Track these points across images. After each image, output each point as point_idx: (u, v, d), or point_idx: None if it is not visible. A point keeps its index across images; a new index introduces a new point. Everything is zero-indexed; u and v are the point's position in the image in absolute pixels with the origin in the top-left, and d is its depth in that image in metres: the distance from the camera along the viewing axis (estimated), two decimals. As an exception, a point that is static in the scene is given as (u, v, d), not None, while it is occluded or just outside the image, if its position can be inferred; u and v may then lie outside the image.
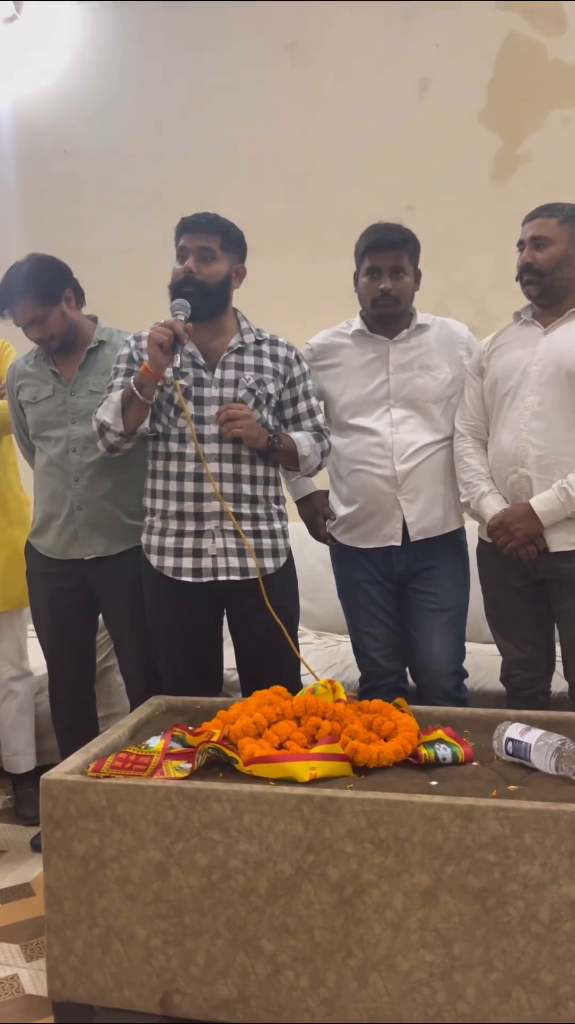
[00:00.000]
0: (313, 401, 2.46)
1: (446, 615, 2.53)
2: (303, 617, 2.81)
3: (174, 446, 2.31)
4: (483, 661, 2.87)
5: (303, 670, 2.45)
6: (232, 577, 2.30)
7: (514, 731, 1.85)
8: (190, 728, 2.00)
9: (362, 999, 1.65)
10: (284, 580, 2.40)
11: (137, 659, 2.54)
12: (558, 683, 2.52)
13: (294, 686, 2.31)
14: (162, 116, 3.95)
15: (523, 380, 2.35)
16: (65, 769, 1.82)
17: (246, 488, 2.32)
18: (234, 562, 2.30)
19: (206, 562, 2.30)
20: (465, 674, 2.58)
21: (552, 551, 2.33)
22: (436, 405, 2.51)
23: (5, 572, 2.83)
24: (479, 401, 2.47)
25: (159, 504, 2.34)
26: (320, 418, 2.48)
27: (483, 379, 2.46)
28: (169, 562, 2.32)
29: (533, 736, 1.80)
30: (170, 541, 2.32)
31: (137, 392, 2.22)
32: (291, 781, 1.74)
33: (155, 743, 1.90)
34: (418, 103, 3.65)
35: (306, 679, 2.43)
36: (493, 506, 2.39)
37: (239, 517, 2.30)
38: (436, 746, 1.88)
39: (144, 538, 2.39)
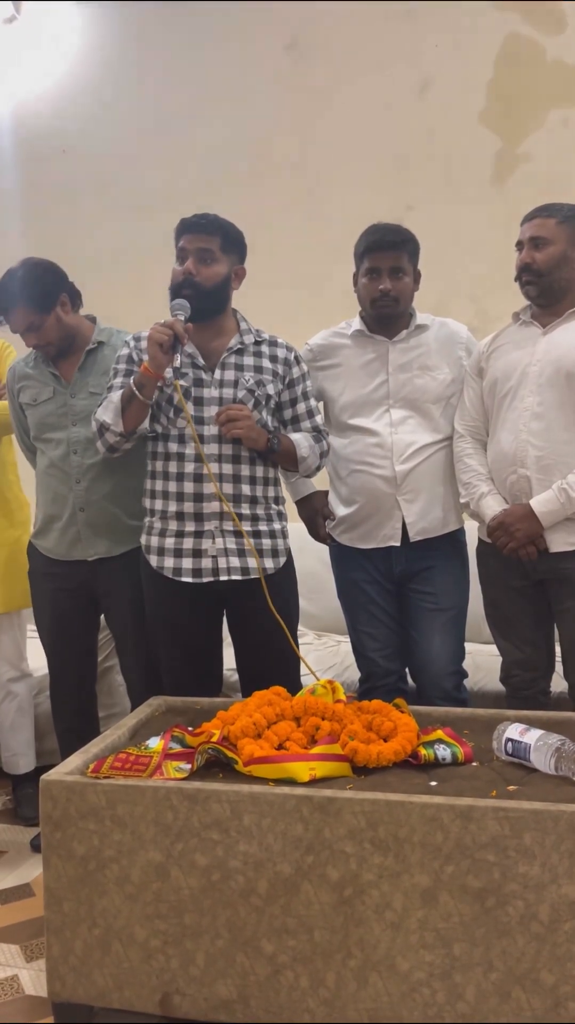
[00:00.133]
0: (312, 402, 2.46)
1: (446, 615, 2.53)
2: (303, 617, 2.81)
3: (174, 446, 2.31)
4: (483, 661, 2.87)
5: (303, 670, 2.45)
6: (233, 577, 2.30)
7: (514, 731, 1.85)
8: (190, 729, 2.00)
9: (362, 999, 1.65)
10: (284, 580, 2.40)
11: (138, 660, 2.54)
12: (558, 683, 2.52)
13: (294, 686, 2.31)
14: (162, 117, 3.95)
15: (522, 381, 2.35)
16: (65, 770, 1.83)
17: (246, 488, 2.32)
18: (234, 562, 2.30)
19: (206, 562, 2.30)
20: (465, 674, 2.58)
21: (552, 551, 2.33)
22: (436, 405, 2.51)
23: (5, 573, 2.83)
24: (478, 402, 2.47)
25: (159, 504, 2.34)
26: (319, 419, 2.48)
27: (482, 380, 2.46)
28: (169, 562, 2.32)
29: (533, 736, 1.80)
30: (170, 541, 2.32)
31: (137, 392, 2.22)
32: (291, 782, 1.74)
33: (155, 744, 1.90)
34: (418, 103, 3.65)
35: (306, 679, 2.43)
36: (493, 507, 2.39)
37: (239, 517, 2.30)
38: (436, 746, 1.88)
39: (144, 539, 2.39)
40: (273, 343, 2.41)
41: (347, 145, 3.71)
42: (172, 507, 2.31)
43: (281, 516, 2.42)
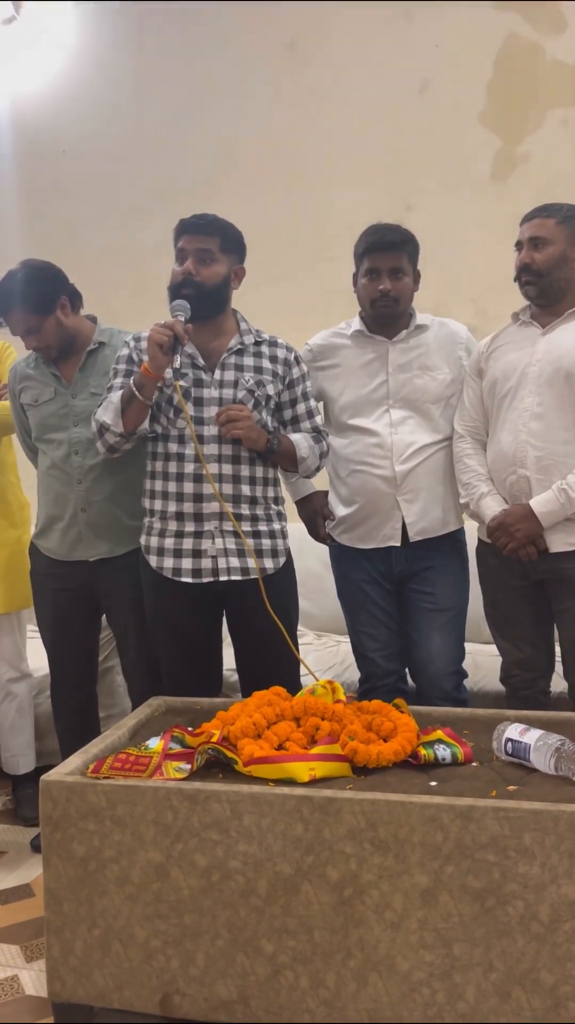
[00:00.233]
0: (312, 403, 2.46)
1: (445, 615, 2.53)
2: (303, 618, 2.81)
3: (173, 447, 2.31)
4: (483, 661, 2.87)
5: (303, 671, 2.45)
6: (232, 577, 2.30)
7: (513, 731, 1.85)
8: (190, 729, 2.00)
9: (362, 999, 1.65)
10: (283, 581, 2.40)
11: (139, 660, 2.54)
12: (558, 683, 2.52)
13: (294, 687, 2.31)
14: (161, 117, 3.95)
15: (522, 381, 2.35)
16: (65, 770, 1.83)
17: (245, 489, 2.32)
18: (234, 562, 2.30)
19: (206, 563, 2.30)
20: (465, 674, 2.58)
21: (552, 551, 2.33)
22: (435, 405, 2.51)
23: (6, 574, 2.83)
24: (478, 402, 2.47)
25: (158, 505, 2.34)
26: (319, 419, 2.48)
27: (482, 380, 2.46)
28: (168, 563, 2.32)
29: (532, 736, 1.81)
30: (169, 542, 2.32)
31: (137, 393, 2.22)
32: (291, 782, 1.74)
33: (155, 744, 1.90)
34: (418, 103, 3.65)
35: (306, 680, 2.43)
36: (492, 507, 2.39)
37: (238, 518, 2.30)
38: (435, 746, 1.88)
39: (143, 539, 2.39)
40: (273, 343, 2.41)
41: (347, 145, 3.71)
42: (172, 507, 2.31)
43: (281, 516, 2.42)
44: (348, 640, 2.73)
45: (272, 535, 2.37)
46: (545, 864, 1.56)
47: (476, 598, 2.57)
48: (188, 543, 2.30)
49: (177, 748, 1.91)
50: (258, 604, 2.26)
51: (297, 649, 2.37)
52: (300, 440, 2.39)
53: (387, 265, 2.43)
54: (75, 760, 1.86)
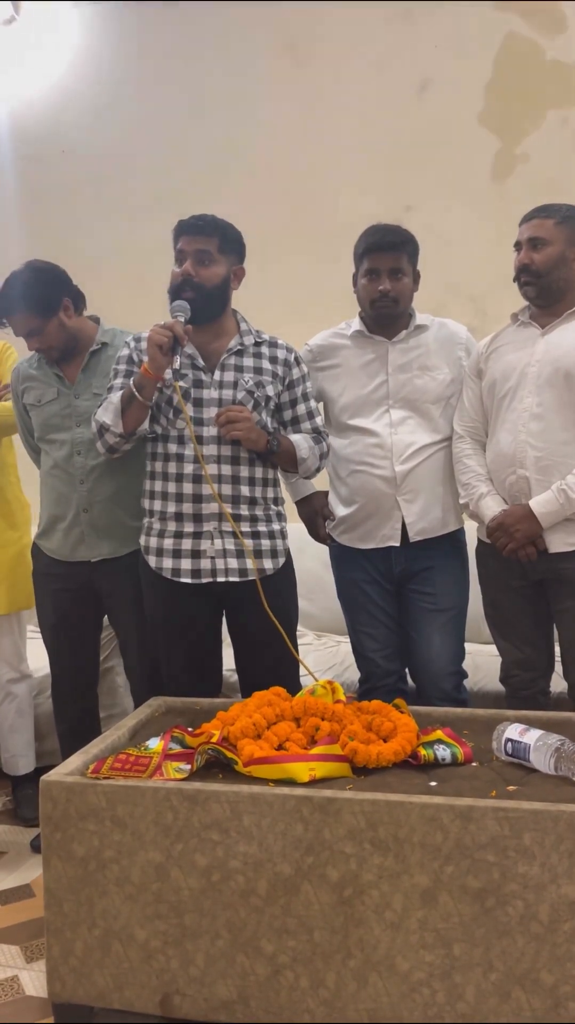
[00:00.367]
0: (312, 403, 2.46)
1: (445, 615, 2.53)
2: (303, 618, 2.81)
3: (173, 447, 2.31)
4: (483, 661, 2.87)
5: (302, 671, 2.45)
6: (231, 578, 2.30)
7: (513, 731, 1.85)
8: (189, 729, 2.01)
9: (362, 999, 1.65)
10: (283, 581, 2.40)
11: (141, 660, 2.55)
12: (557, 683, 2.52)
13: (293, 687, 2.31)
14: (161, 117, 3.95)
15: (521, 381, 2.35)
16: (65, 770, 1.83)
17: (245, 489, 2.32)
18: (233, 563, 2.30)
19: (205, 563, 2.30)
20: (464, 675, 2.58)
21: (551, 552, 2.33)
22: (435, 406, 2.52)
23: (7, 575, 2.83)
24: (478, 402, 2.47)
25: (158, 505, 2.34)
26: (319, 420, 2.48)
27: (481, 380, 2.46)
28: (168, 563, 2.32)
29: (532, 736, 1.81)
30: (169, 542, 2.32)
31: (136, 393, 2.22)
32: (291, 782, 1.74)
33: (155, 744, 1.90)
34: (417, 104, 3.65)
35: (305, 680, 2.43)
36: (492, 507, 2.39)
37: (238, 518, 2.30)
38: (435, 747, 1.88)
39: (143, 539, 2.39)
40: (273, 344, 2.41)
41: (346, 145, 3.71)
42: (171, 508, 2.31)
43: (280, 517, 2.43)
44: (348, 640, 2.73)
45: (271, 536, 2.37)
46: (545, 864, 1.56)
47: (476, 598, 2.57)
48: (187, 544, 2.31)
49: (177, 748, 1.91)
50: (257, 605, 2.26)
51: (297, 649, 2.38)
52: (300, 441, 2.39)
53: (387, 265, 2.43)
54: (75, 760, 1.87)
